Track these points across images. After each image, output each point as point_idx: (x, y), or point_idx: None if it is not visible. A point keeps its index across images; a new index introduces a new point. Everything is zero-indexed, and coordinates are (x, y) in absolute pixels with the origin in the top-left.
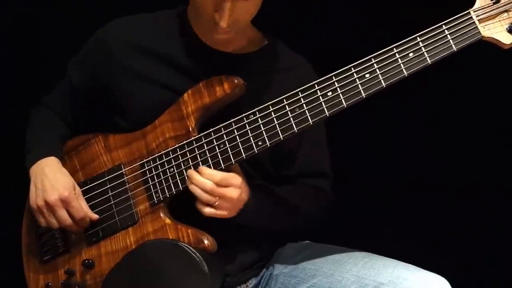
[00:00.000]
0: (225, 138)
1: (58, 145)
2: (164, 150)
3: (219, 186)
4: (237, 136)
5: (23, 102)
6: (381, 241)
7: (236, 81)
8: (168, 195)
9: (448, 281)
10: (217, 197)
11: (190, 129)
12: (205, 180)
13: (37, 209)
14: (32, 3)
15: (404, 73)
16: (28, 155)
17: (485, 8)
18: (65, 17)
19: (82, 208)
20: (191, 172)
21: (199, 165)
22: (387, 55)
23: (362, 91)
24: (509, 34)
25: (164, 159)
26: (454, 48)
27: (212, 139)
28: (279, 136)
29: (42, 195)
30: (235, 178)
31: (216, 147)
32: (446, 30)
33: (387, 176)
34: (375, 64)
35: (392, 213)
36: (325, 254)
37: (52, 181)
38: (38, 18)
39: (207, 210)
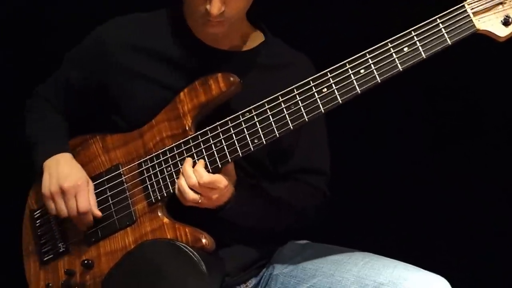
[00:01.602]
0: (221, 137)
1: (67, 142)
2: (161, 149)
3: (202, 187)
4: (233, 134)
5: (23, 102)
6: (380, 240)
7: (232, 78)
8: (165, 194)
9: (448, 281)
10: (200, 195)
11: (187, 128)
12: (193, 175)
13: (50, 195)
14: (30, 3)
15: (399, 67)
16: (41, 148)
17: (479, 0)
18: (65, 16)
19: (89, 202)
20: (187, 161)
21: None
22: (381, 50)
23: (357, 86)
24: (503, 27)
25: (161, 158)
26: (449, 42)
27: (209, 137)
28: (275, 133)
29: (57, 182)
30: (221, 183)
31: (213, 145)
32: (440, 24)
33: (382, 172)
34: (369, 60)
35: (388, 211)
36: (325, 254)
37: (67, 172)
38: (36, 17)
39: (188, 204)
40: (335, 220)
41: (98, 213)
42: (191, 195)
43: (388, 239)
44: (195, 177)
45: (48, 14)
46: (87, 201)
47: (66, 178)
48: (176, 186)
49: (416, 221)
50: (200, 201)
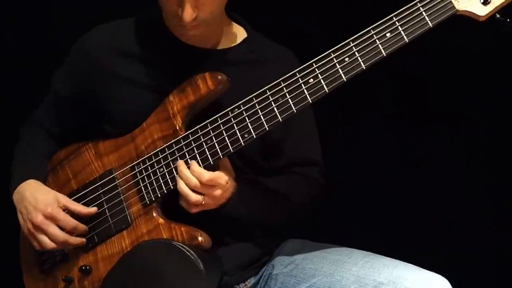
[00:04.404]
0: (212, 134)
1: (39, 165)
2: (153, 151)
3: (204, 186)
4: (223, 131)
5: (23, 102)
6: (379, 239)
7: (219, 77)
8: (159, 195)
9: (448, 280)
10: (203, 196)
11: (177, 128)
12: (192, 177)
13: (28, 233)
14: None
15: (382, 53)
16: (12, 181)
17: None
18: (63, 15)
19: (70, 217)
20: (181, 164)
21: (188, 163)
22: (365, 37)
23: (342, 75)
24: (483, 6)
25: (154, 160)
26: (430, 24)
27: (199, 135)
28: (264, 126)
29: (28, 219)
30: (222, 178)
31: (204, 143)
32: (421, 7)
33: (380, 170)
34: (353, 47)
35: (388, 210)
36: (325, 254)
37: (32, 203)
38: (35, 16)
39: (193, 210)
40: (334, 220)
41: (92, 210)
42: (194, 196)
43: (387, 239)
44: (195, 178)
45: (46, 13)
46: (67, 218)
47: (34, 212)
48: (180, 195)
49: (416, 220)
50: (204, 201)
